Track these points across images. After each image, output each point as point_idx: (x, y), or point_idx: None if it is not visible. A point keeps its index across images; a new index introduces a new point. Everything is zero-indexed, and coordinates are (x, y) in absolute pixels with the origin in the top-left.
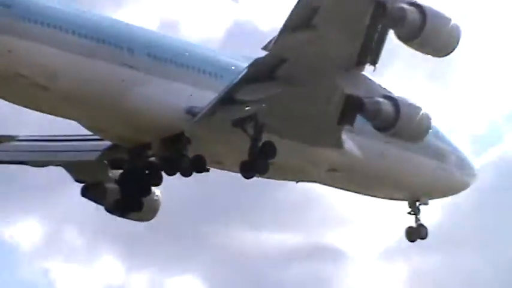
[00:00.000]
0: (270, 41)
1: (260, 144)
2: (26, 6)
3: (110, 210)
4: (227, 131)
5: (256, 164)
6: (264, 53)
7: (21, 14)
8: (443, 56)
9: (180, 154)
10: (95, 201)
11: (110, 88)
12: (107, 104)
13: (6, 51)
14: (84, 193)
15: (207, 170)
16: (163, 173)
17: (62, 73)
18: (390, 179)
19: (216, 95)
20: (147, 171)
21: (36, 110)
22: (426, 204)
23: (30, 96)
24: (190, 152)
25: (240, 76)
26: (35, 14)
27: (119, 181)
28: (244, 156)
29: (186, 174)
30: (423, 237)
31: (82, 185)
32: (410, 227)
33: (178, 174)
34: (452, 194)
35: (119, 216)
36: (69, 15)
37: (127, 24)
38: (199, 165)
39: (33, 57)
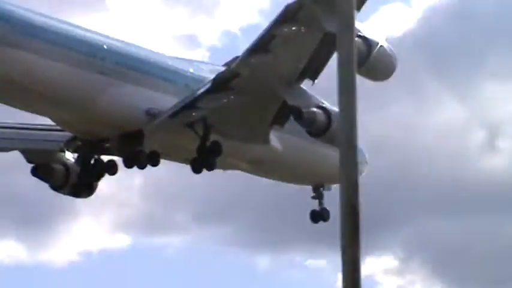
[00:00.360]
0: (232, 60)
1: (208, 143)
2: (23, 23)
3: (56, 188)
4: (180, 131)
5: (205, 161)
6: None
7: (20, 29)
8: None
9: (139, 150)
10: (43, 180)
11: (85, 91)
12: (81, 105)
13: (7, 60)
14: (34, 173)
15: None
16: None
17: (48, 79)
18: (303, 169)
19: (171, 98)
20: (105, 162)
21: (16, 108)
22: (329, 189)
23: (16, 97)
24: (145, 147)
25: (204, 88)
26: (30, 28)
27: (80, 168)
28: (193, 152)
29: (142, 167)
30: (325, 220)
31: (32, 165)
32: (314, 210)
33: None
34: None
35: (66, 194)
36: (57, 29)
37: (102, 35)
38: (154, 160)
39: (26, 65)
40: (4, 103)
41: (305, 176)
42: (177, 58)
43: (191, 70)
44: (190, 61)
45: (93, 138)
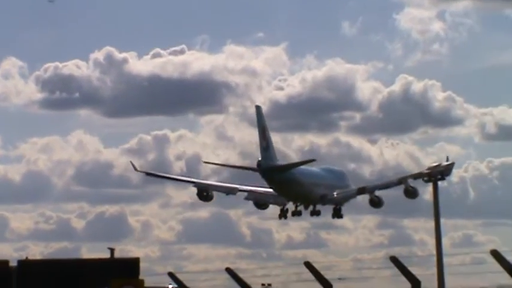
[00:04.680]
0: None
1: (338, 207)
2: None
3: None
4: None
5: (337, 213)
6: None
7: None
8: None
9: (314, 209)
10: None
11: (313, 191)
12: (310, 196)
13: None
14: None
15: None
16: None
17: (307, 188)
18: None
19: (326, 190)
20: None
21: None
22: None
23: (291, 194)
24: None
25: (351, 192)
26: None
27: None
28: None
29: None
30: None
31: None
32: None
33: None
34: None
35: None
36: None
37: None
38: (318, 212)
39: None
40: (283, 195)
41: None
42: (330, 171)
43: (331, 178)
44: (330, 171)
45: (296, 202)
